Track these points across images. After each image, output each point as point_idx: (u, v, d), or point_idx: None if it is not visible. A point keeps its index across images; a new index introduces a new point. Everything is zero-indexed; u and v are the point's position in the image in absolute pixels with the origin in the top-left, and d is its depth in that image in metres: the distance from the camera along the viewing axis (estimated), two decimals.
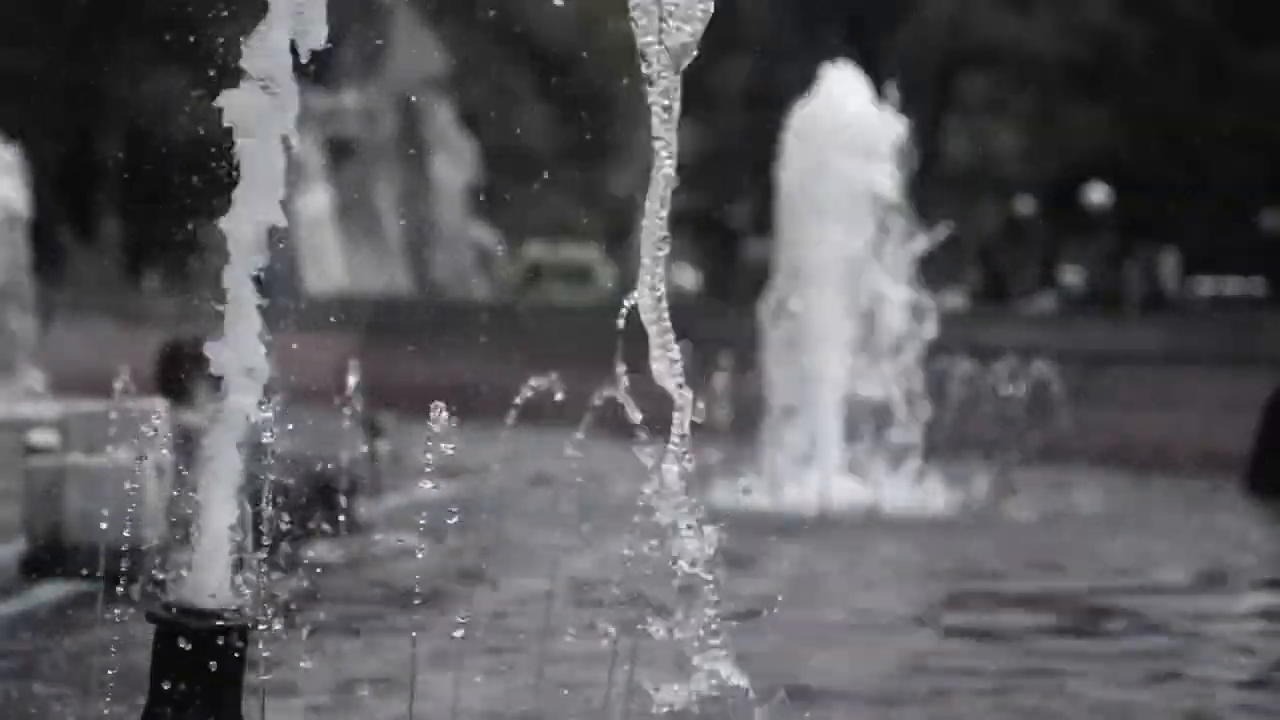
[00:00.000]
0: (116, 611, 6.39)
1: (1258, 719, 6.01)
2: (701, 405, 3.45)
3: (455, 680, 5.10)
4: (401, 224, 31.87)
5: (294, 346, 4.43)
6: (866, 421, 11.92)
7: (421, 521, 5.74)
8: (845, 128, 12.10)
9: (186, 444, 8.25)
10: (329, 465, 8.59)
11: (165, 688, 3.53)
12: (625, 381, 3.60)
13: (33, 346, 18.37)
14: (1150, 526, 11.07)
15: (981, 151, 37.74)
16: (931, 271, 16.96)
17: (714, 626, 3.54)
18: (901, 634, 7.41)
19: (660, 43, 3.21)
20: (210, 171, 3.71)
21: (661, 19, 3.17)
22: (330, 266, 30.37)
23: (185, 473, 7.86)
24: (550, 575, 8.13)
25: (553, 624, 6.39)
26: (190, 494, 3.89)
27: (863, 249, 12.06)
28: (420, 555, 7.82)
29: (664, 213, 3.41)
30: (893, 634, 7.41)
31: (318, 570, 7.94)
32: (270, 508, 4.15)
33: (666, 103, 3.30)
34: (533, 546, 9.37)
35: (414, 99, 32.27)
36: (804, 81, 12.73)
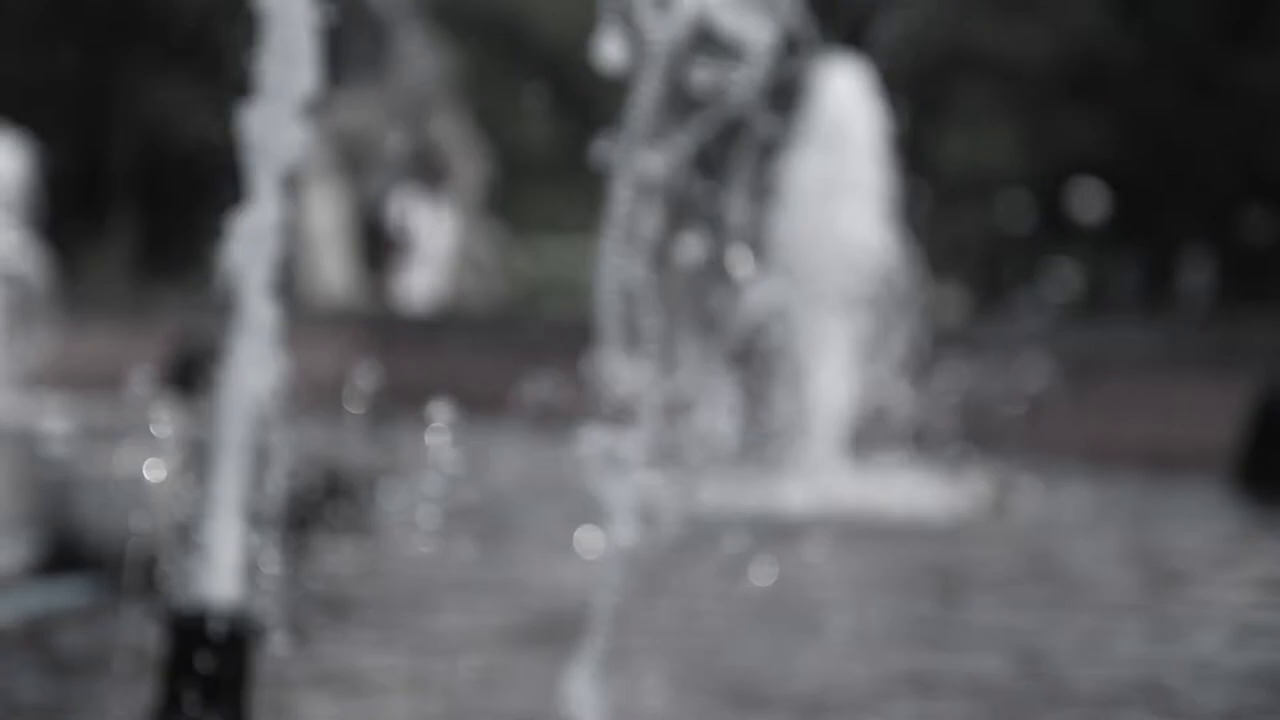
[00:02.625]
0: (125, 612, 6.47)
1: None
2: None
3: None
4: (402, 228, 31.88)
5: (299, 348, 4.51)
6: (862, 422, 11.96)
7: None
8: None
9: (197, 444, 8.35)
10: (334, 466, 8.67)
11: (172, 688, 3.57)
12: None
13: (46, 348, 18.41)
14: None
15: (976, 156, 37.70)
16: (929, 274, 17.06)
17: None
18: None
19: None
20: (221, 174, 3.80)
21: None
22: (334, 269, 30.42)
23: (195, 473, 7.98)
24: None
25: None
26: (200, 493, 3.96)
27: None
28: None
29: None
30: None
31: (325, 570, 8.03)
32: (281, 506, 4.23)
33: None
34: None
35: (418, 104, 32.30)
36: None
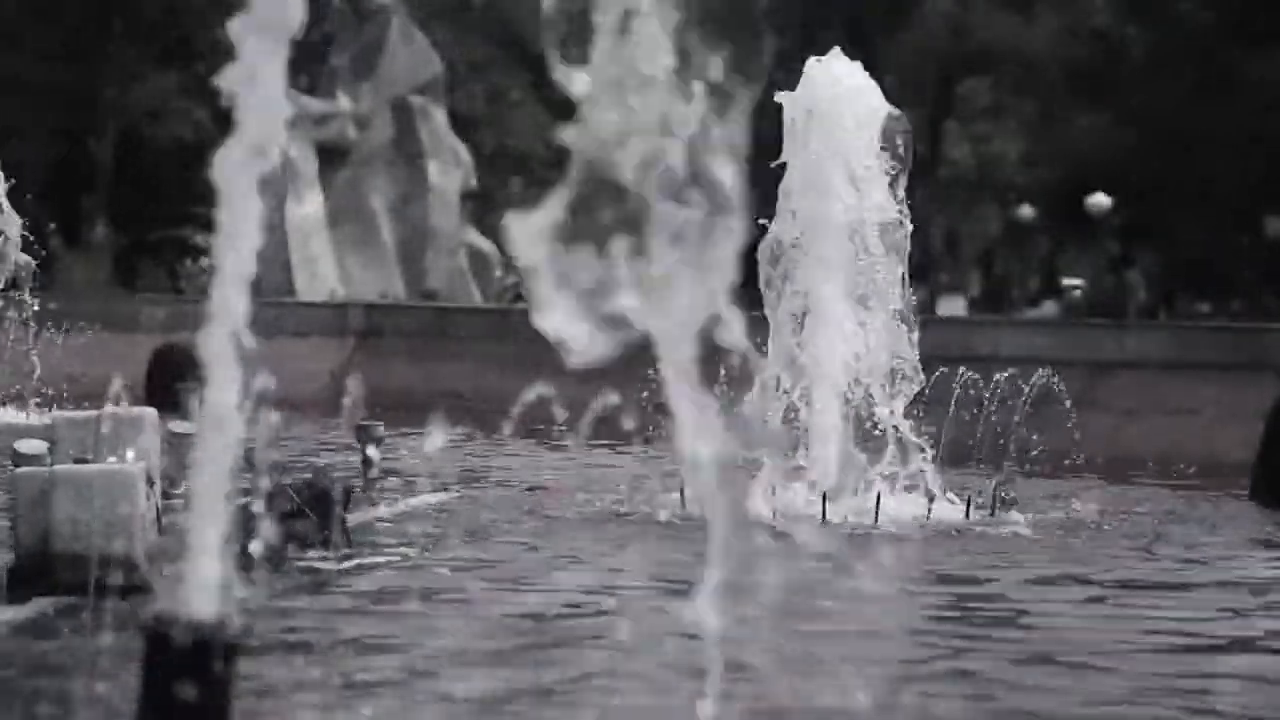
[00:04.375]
0: (105, 622, 6.27)
1: None
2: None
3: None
4: (395, 229, 31.75)
5: (287, 353, 4.31)
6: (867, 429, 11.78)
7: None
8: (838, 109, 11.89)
9: (177, 452, 8.14)
10: (322, 473, 8.48)
11: (155, 700, 3.40)
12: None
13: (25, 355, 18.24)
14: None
15: (982, 157, 37.62)
16: (932, 278, 16.77)
17: None
18: None
19: None
20: (200, 176, 3.59)
21: None
22: (324, 272, 30.24)
23: (175, 480, 7.74)
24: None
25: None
26: (181, 501, 3.79)
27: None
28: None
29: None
30: None
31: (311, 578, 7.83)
32: (263, 516, 4.03)
33: None
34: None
35: (408, 103, 32.16)
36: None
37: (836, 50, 12.17)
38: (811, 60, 12.09)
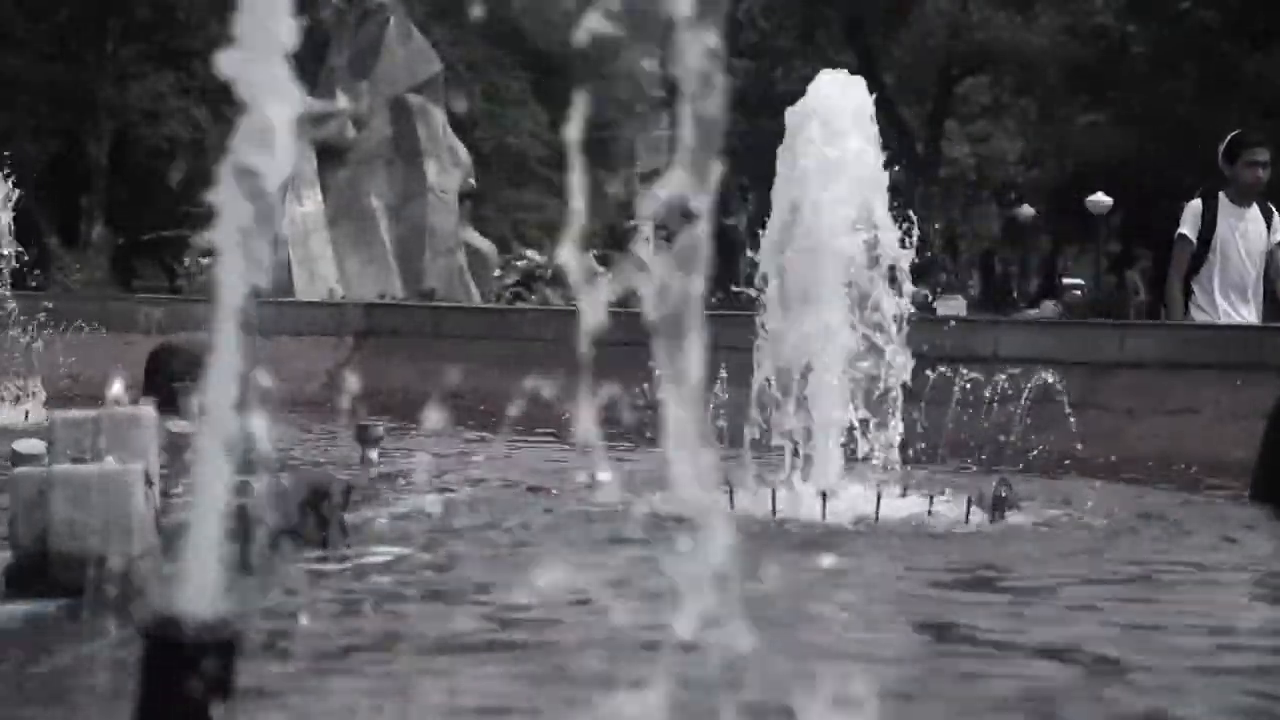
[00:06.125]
0: (104, 624, 6.26)
1: None
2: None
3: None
4: (394, 228, 31.73)
5: (286, 352, 4.29)
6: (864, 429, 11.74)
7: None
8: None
9: (175, 451, 8.12)
10: (320, 473, 8.46)
11: (153, 703, 3.40)
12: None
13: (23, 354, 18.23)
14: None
15: (981, 156, 37.62)
16: (931, 278, 16.73)
17: None
18: None
19: None
20: (197, 175, 3.57)
21: None
22: (323, 271, 30.22)
23: (174, 478, 7.72)
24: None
25: None
26: (180, 500, 3.78)
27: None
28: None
29: None
30: None
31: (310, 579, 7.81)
32: (261, 516, 4.01)
33: None
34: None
35: (407, 102, 32.15)
36: (804, 84, 12.44)
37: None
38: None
